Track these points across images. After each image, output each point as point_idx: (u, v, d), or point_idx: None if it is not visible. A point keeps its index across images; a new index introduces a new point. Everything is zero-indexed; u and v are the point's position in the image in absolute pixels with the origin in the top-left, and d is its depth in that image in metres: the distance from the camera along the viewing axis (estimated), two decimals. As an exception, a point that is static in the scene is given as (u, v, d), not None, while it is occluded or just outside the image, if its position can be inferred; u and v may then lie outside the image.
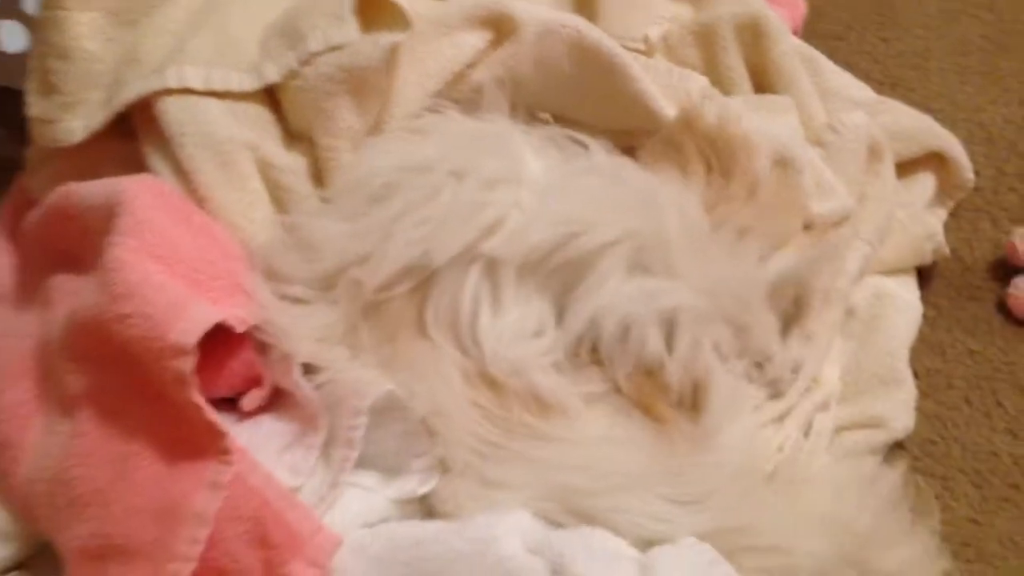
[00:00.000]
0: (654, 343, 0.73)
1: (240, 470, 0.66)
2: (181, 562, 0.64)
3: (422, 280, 0.74)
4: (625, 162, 0.80)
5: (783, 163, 0.79)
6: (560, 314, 0.75)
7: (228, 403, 0.73)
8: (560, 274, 0.74)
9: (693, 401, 0.74)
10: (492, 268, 0.74)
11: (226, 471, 0.66)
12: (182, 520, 0.65)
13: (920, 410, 0.84)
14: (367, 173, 0.78)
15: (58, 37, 0.80)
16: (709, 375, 0.74)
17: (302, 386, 0.71)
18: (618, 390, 0.73)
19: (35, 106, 0.83)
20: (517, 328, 0.73)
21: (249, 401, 0.73)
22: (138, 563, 0.65)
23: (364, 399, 0.69)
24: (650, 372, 0.74)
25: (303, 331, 0.72)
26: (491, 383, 0.72)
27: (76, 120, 0.81)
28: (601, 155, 0.80)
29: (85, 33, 0.81)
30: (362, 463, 0.70)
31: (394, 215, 0.75)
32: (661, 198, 0.76)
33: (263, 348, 0.73)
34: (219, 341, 0.70)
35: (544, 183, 0.77)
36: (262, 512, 0.65)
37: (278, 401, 0.74)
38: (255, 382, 0.73)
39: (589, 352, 0.74)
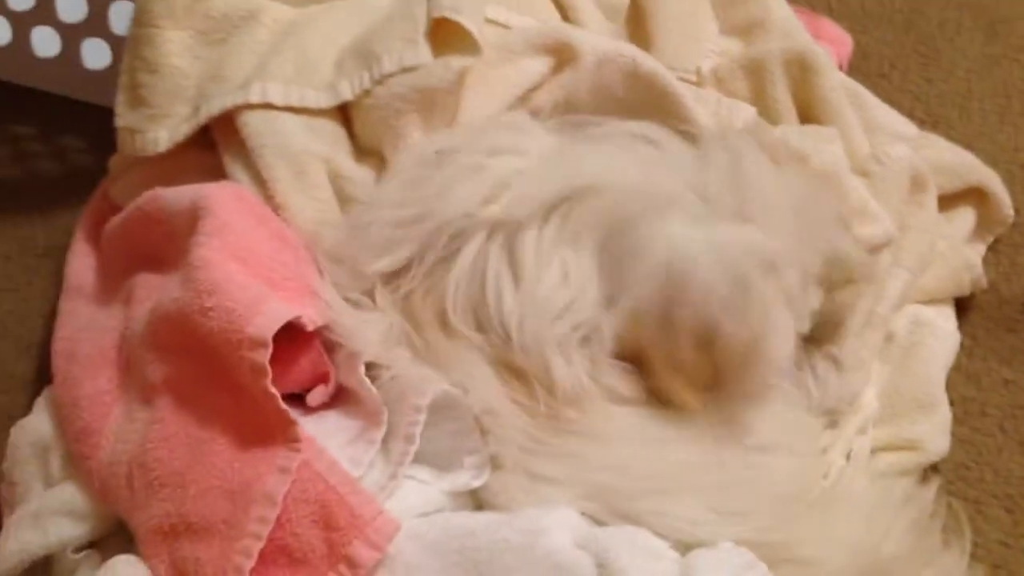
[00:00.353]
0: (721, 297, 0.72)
1: (307, 457, 0.70)
2: (251, 539, 0.68)
3: (438, 265, 0.76)
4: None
5: (829, 188, 0.82)
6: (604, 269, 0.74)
7: (296, 400, 0.77)
8: (593, 228, 0.74)
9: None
10: (507, 237, 0.75)
11: (295, 457, 0.70)
12: (253, 501, 0.69)
13: (955, 436, 0.87)
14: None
15: (149, 53, 0.85)
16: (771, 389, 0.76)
17: (365, 384, 0.74)
18: (648, 397, 0.75)
19: (123, 117, 0.87)
20: (543, 301, 0.74)
21: (315, 397, 0.76)
22: (211, 540, 0.69)
23: (424, 397, 0.72)
24: (702, 344, 0.74)
25: (369, 333, 0.76)
26: (519, 375, 0.74)
27: (162, 131, 0.86)
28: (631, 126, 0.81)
29: (175, 51, 0.86)
30: (417, 459, 0.73)
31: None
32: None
33: (329, 348, 0.77)
34: (290, 339, 0.74)
35: (555, 150, 0.78)
36: (327, 496, 0.69)
37: (342, 398, 0.77)
38: (322, 379, 0.76)
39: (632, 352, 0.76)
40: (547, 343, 0.74)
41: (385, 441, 0.73)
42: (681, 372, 0.75)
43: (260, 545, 0.68)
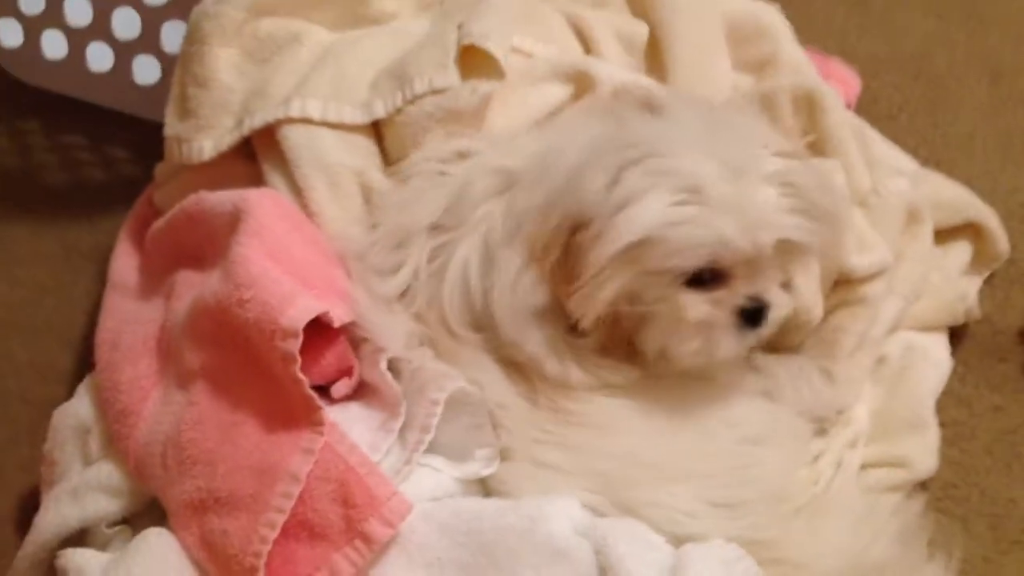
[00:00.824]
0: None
1: (330, 439, 0.75)
2: (275, 513, 0.73)
3: (432, 279, 0.81)
4: None
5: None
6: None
7: (321, 392, 0.81)
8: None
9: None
10: (483, 248, 0.80)
11: (318, 439, 0.75)
12: (278, 478, 0.74)
13: (944, 457, 0.90)
14: None
15: (199, 68, 0.91)
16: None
17: (387, 378, 0.79)
18: (642, 390, 0.79)
19: (172, 127, 0.93)
20: (523, 293, 0.78)
21: (339, 389, 0.81)
22: (239, 513, 0.74)
23: (442, 391, 0.77)
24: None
25: (395, 331, 0.80)
26: (520, 370, 0.79)
27: (207, 141, 0.91)
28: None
29: (223, 67, 0.91)
30: (432, 448, 0.78)
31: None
32: None
33: (354, 344, 0.82)
34: (318, 334, 0.79)
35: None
36: (346, 476, 0.74)
37: (364, 391, 0.82)
38: (346, 373, 0.81)
39: (623, 344, 0.80)
40: (532, 342, 0.79)
41: (402, 431, 0.78)
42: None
43: (283, 519, 0.73)
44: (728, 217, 0.73)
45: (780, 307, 0.78)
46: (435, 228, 0.83)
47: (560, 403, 0.78)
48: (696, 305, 0.76)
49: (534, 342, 0.78)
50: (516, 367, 0.80)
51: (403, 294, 0.83)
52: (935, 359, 0.94)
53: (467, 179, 0.83)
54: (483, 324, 0.80)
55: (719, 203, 0.74)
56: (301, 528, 0.73)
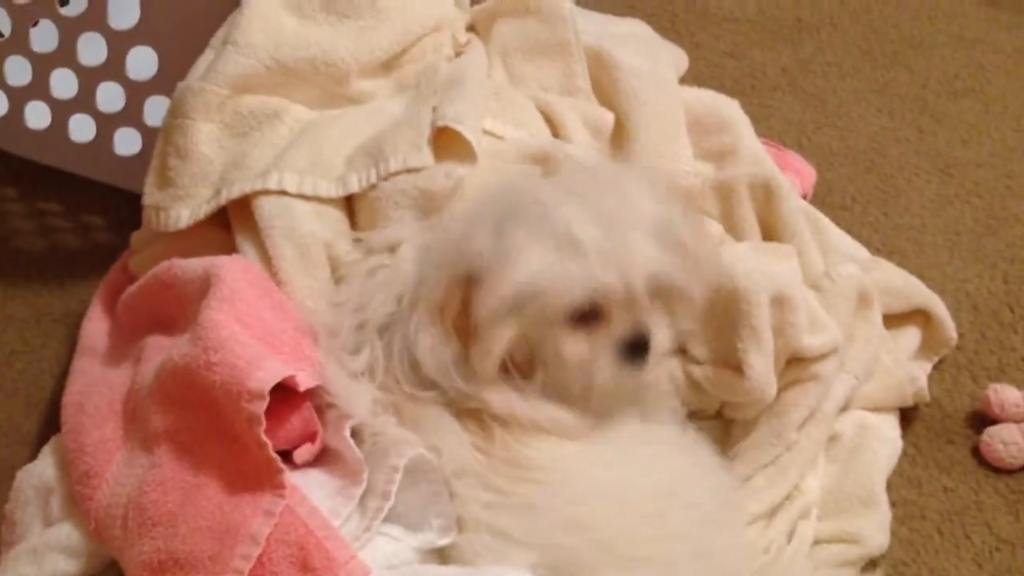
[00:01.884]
0: None
1: (290, 502, 0.75)
2: (232, 575, 0.73)
3: (386, 351, 0.84)
4: None
5: (780, 300, 0.89)
6: None
7: (284, 458, 0.81)
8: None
9: None
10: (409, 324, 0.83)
11: (279, 502, 0.75)
12: (239, 540, 0.73)
13: (895, 535, 0.91)
14: None
15: (181, 140, 0.93)
16: None
17: (350, 444, 0.79)
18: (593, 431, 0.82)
19: (151, 196, 0.95)
20: (440, 351, 0.81)
21: (302, 454, 0.81)
22: (196, 574, 0.73)
23: (401, 458, 0.78)
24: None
25: (360, 397, 0.81)
26: (473, 416, 0.81)
27: (184, 210, 0.93)
28: None
29: (204, 140, 0.93)
30: (389, 517, 0.78)
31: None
32: None
33: (319, 410, 0.83)
34: (284, 399, 0.80)
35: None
36: (306, 539, 0.73)
37: (326, 457, 0.82)
38: (310, 438, 0.82)
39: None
40: (468, 388, 0.81)
41: (363, 497, 0.78)
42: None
43: (242, 581, 0.73)
44: (599, 260, 0.79)
45: (661, 343, 0.83)
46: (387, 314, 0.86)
47: (514, 450, 0.79)
48: (575, 343, 0.81)
49: (471, 388, 0.81)
50: (472, 416, 0.81)
51: (366, 370, 0.84)
52: (886, 438, 0.95)
53: (398, 263, 0.88)
54: (429, 383, 0.82)
55: (591, 248, 0.79)
56: (260, 591, 0.73)
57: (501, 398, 0.81)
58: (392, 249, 0.89)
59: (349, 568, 0.73)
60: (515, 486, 0.78)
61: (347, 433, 0.80)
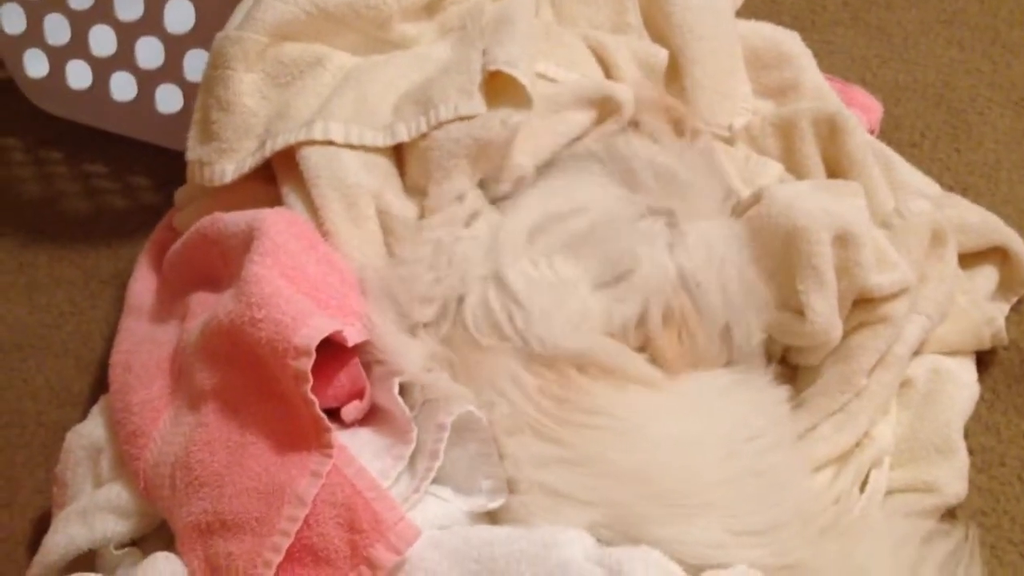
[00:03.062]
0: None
1: (338, 462, 0.72)
2: (280, 537, 0.70)
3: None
4: None
5: (843, 238, 0.83)
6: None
7: (332, 416, 0.78)
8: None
9: None
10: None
11: (327, 462, 0.72)
12: (285, 501, 0.71)
13: (973, 483, 0.86)
14: None
15: (223, 92, 0.90)
16: None
17: (399, 403, 0.76)
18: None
19: (194, 151, 0.92)
20: (554, 294, 0.79)
21: (350, 412, 0.78)
22: (243, 536, 0.71)
23: (449, 416, 0.74)
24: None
25: (411, 354, 0.78)
26: (550, 365, 0.77)
27: (229, 164, 0.90)
28: None
29: (246, 91, 0.90)
30: (439, 479, 0.75)
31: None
32: None
33: (367, 367, 0.79)
34: (331, 355, 0.77)
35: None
36: (353, 500, 0.71)
37: (374, 416, 0.79)
38: (358, 395, 0.78)
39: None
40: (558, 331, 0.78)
41: (412, 457, 0.75)
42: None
43: (288, 542, 0.70)
44: None
45: None
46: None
47: (590, 395, 0.76)
48: None
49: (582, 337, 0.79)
50: (547, 364, 0.78)
51: (433, 322, 0.81)
52: (963, 383, 0.90)
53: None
54: (513, 333, 0.79)
55: None
56: (306, 553, 0.70)
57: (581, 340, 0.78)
58: (469, 218, 0.85)
59: (398, 529, 0.70)
60: (577, 435, 0.74)
61: (395, 390, 0.76)
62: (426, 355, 0.79)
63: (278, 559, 0.70)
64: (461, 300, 0.81)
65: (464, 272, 0.82)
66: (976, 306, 0.93)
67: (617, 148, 0.88)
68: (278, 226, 0.80)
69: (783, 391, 0.84)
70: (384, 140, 0.87)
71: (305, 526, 0.71)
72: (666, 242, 0.83)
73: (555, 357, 0.77)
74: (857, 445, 0.83)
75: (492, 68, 0.87)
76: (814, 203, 0.84)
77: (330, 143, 0.86)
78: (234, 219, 0.83)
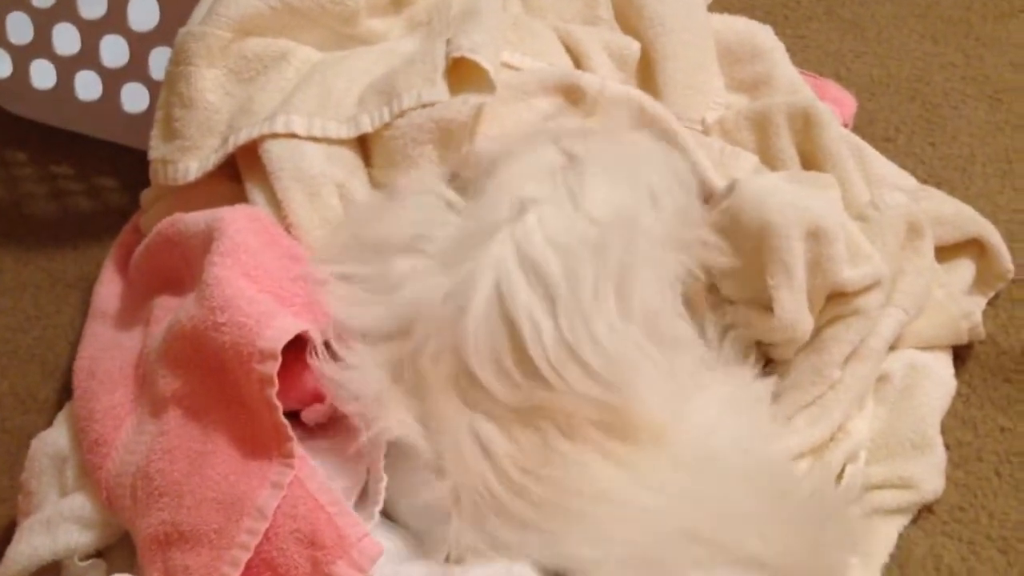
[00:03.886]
0: None
1: (300, 474, 0.69)
2: (238, 550, 0.67)
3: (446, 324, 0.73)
4: None
5: (815, 233, 0.82)
6: None
7: (293, 422, 0.74)
8: None
9: None
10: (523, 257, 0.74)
11: (288, 472, 0.69)
12: (244, 513, 0.68)
13: (950, 479, 0.84)
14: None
15: (185, 89, 0.87)
16: None
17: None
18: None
19: (157, 149, 0.89)
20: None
21: (310, 415, 0.75)
22: (200, 549, 0.68)
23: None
24: None
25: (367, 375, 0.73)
26: (530, 422, 0.71)
27: (192, 162, 0.87)
28: None
29: (209, 87, 0.87)
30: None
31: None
32: None
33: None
34: (295, 357, 0.74)
35: None
36: (315, 514, 0.68)
37: (336, 423, 0.76)
38: (320, 398, 0.75)
39: None
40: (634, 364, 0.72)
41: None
42: None
43: (247, 556, 0.67)
44: None
45: None
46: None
47: (570, 468, 0.70)
48: None
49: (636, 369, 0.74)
50: (526, 422, 0.72)
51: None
52: (939, 378, 0.88)
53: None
54: (515, 370, 0.72)
55: None
56: (265, 568, 0.67)
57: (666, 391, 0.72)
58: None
59: (362, 546, 0.67)
60: (547, 517, 0.68)
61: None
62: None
63: (236, 574, 0.67)
64: (462, 302, 0.72)
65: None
66: (953, 300, 0.91)
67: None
68: (237, 223, 0.77)
69: (766, 389, 0.82)
70: (348, 132, 0.85)
71: (265, 540, 0.68)
72: None
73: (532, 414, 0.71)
74: (832, 439, 0.81)
75: (456, 55, 0.85)
76: (785, 197, 0.82)
77: (293, 136, 0.84)
78: (194, 219, 0.80)
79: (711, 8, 1.04)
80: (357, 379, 0.73)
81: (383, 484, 0.71)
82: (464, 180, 0.82)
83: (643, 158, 0.83)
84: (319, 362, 0.73)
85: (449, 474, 0.70)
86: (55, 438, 0.84)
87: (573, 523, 0.69)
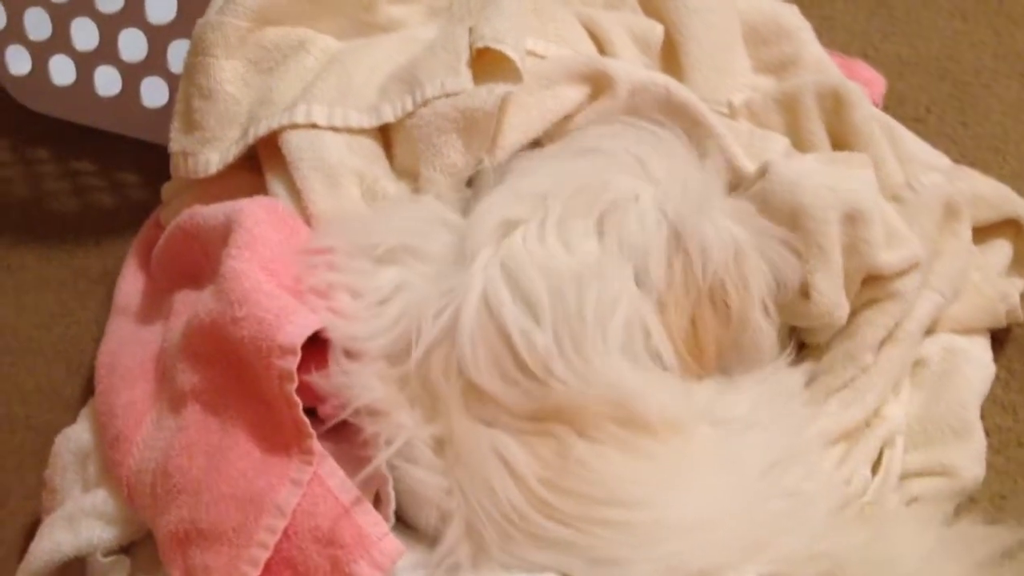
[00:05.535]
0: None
1: (320, 471, 0.67)
2: (258, 548, 0.65)
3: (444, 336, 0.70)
4: None
5: (851, 216, 0.78)
6: None
7: (312, 418, 0.71)
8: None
9: None
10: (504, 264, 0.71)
11: (307, 470, 0.67)
12: (264, 510, 0.66)
13: (991, 465, 0.81)
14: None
15: (204, 80, 0.84)
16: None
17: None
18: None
19: (177, 142, 0.86)
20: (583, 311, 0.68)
21: (328, 410, 0.71)
22: (220, 547, 0.66)
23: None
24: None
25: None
26: (545, 430, 0.68)
27: (213, 154, 0.84)
28: None
29: (228, 78, 0.85)
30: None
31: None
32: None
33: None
34: (313, 351, 0.71)
35: None
36: (335, 512, 0.65)
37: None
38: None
39: None
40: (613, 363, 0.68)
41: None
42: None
43: (267, 555, 0.65)
44: None
45: None
46: None
47: (586, 484, 0.66)
48: None
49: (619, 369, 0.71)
50: (543, 433, 0.68)
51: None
52: (978, 361, 0.84)
53: None
54: (518, 373, 0.69)
55: None
56: (284, 567, 0.65)
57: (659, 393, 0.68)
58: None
59: (382, 546, 0.64)
60: (589, 536, 0.65)
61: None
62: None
63: (256, 573, 0.65)
64: (452, 317, 0.69)
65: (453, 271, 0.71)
66: (990, 282, 0.87)
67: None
68: (256, 216, 0.75)
69: (799, 380, 0.78)
70: (369, 121, 0.82)
71: (284, 538, 0.65)
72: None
73: (547, 426, 0.68)
74: (867, 424, 0.78)
75: (480, 45, 0.82)
76: (820, 179, 0.79)
77: (313, 126, 0.81)
78: (211, 212, 0.78)
79: (734, -9, 1.00)
80: (362, 383, 0.70)
81: (390, 486, 0.68)
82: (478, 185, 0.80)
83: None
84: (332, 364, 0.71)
85: (468, 496, 0.67)
86: (78, 434, 0.82)
87: (603, 534, 0.65)
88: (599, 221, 0.72)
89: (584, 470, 0.66)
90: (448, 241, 0.75)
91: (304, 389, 0.69)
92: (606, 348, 0.68)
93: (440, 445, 0.68)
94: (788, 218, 0.79)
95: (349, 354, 0.70)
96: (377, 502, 0.68)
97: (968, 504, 0.79)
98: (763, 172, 0.80)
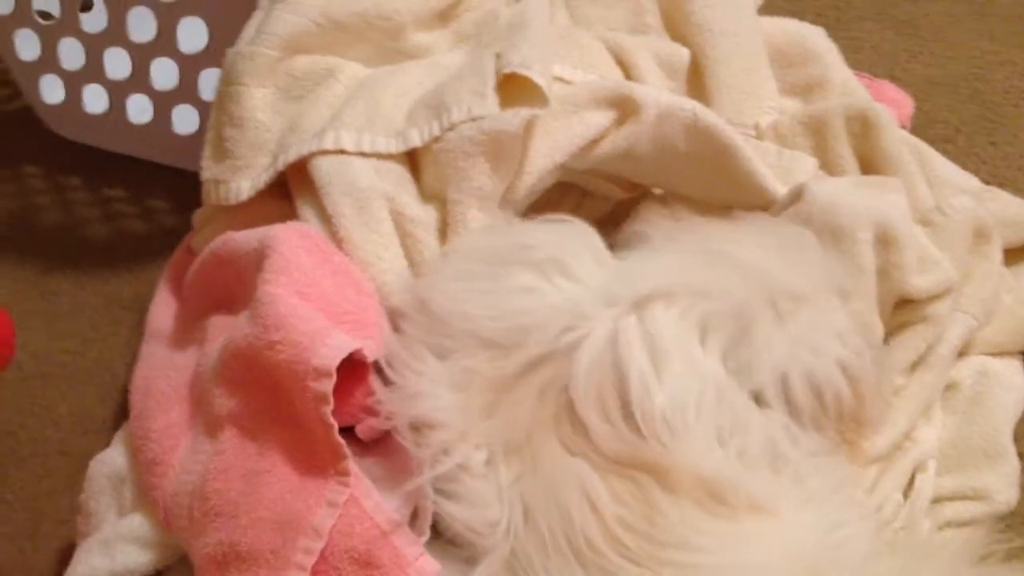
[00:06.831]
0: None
1: (356, 493, 0.68)
2: (295, 570, 0.66)
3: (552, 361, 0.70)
4: None
5: (885, 240, 0.79)
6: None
7: (348, 438, 0.73)
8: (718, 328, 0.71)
9: None
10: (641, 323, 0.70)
11: (343, 491, 0.68)
12: (300, 532, 0.67)
13: (1024, 490, 0.82)
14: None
15: (235, 108, 0.87)
16: None
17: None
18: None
19: (209, 170, 0.88)
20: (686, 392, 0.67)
21: (364, 429, 0.74)
22: (258, 569, 0.67)
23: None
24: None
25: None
26: (627, 475, 0.68)
27: (244, 181, 0.86)
28: None
29: (259, 106, 0.87)
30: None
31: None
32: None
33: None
34: (348, 373, 0.73)
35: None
36: (372, 533, 0.66)
37: (387, 442, 0.74)
38: (374, 412, 0.74)
39: None
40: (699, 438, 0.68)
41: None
42: None
43: (303, 577, 0.66)
44: None
45: None
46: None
47: (664, 531, 0.65)
48: None
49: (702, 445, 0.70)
50: (622, 475, 0.68)
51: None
52: (1011, 384, 0.84)
53: None
54: (620, 414, 0.69)
55: None
56: (322, 589, 0.66)
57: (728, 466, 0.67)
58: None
59: (419, 566, 0.65)
60: (655, 572, 0.63)
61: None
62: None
63: None
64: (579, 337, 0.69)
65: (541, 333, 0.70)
66: (1022, 304, 0.87)
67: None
68: (290, 241, 0.76)
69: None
70: (397, 146, 0.84)
71: (321, 560, 0.66)
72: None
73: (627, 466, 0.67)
74: (899, 448, 0.79)
75: (507, 71, 0.83)
76: (856, 200, 0.80)
77: (342, 152, 0.83)
78: (245, 237, 0.80)
79: (761, 11, 1.02)
80: (419, 397, 0.71)
81: (430, 502, 0.69)
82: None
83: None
84: (374, 380, 0.73)
85: (535, 518, 0.66)
86: (112, 458, 0.83)
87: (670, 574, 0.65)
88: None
89: (661, 518, 0.66)
90: (594, 271, 0.75)
91: (339, 409, 0.70)
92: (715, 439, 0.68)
93: (493, 459, 0.69)
94: (825, 238, 0.79)
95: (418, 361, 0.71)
96: (414, 516, 0.69)
97: (1002, 529, 0.79)
98: (799, 195, 0.81)
